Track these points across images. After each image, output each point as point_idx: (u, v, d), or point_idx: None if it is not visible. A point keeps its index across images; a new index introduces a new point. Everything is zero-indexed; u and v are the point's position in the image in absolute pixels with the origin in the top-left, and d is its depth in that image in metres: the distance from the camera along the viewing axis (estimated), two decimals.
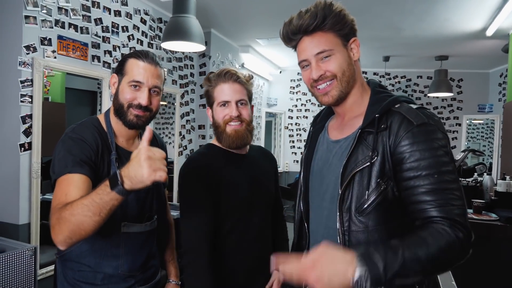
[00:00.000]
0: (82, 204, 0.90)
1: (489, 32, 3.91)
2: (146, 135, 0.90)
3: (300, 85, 6.81)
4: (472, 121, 6.47)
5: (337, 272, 0.73)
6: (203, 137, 4.44)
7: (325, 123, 1.14)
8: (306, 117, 6.84)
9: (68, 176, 1.03)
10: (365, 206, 0.91)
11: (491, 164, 5.81)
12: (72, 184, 1.02)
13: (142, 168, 0.84)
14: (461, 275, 2.16)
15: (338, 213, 0.94)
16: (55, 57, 2.52)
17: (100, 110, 4.08)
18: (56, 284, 1.22)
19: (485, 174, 2.74)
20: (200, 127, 4.45)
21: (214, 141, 1.38)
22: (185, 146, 4.22)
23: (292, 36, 1.01)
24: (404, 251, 0.76)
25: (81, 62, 2.74)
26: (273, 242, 1.44)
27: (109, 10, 2.99)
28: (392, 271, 0.74)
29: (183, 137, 4.18)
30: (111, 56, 3.02)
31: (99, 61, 2.90)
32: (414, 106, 0.94)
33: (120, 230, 1.16)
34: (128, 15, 3.21)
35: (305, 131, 6.85)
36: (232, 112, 1.25)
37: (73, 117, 4.01)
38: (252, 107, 1.35)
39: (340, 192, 0.93)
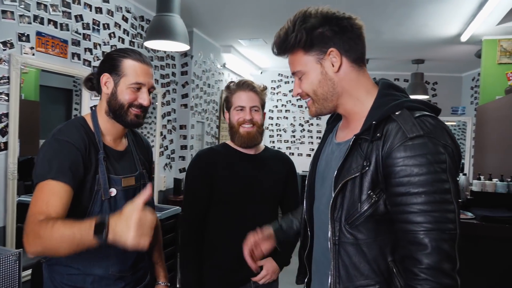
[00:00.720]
0: (62, 234, 0.91)
1: (464, 38, 4.06)
2: (146, 194, 0.89)
3: (280, 86, 6.85)
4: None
5: None
6: (185, 137, 4.40)
7: (337, 124, 1.10)
8: (287, 118, 6.88)
9: (50, 183, 1.01)
10: (355, 217, 0.87)
11: (463, 164, 6.02)
12: (54, 193, 1.00)
13: (129, 231, 0.85)
14: None
15: (329, 221, 0.90)
16: (33, 54, 2.44)
17: (77, 109, 3.99)
18: None
19: (461, 174, 2.84)
20: (181, 127, 4.40)
21: (228, 141, 1.59)
22: (166, 146, 4.17)
23: (277, 54, 1.01)
24: None
25: (60, 60, 2.67)
26: None
27: (90, 6, 2.92)
28: None
29: (164, 137, 4.13)
30: (91, 54, 2.95)
31: (79, 59, 2.83)
32: (417, 114, 0.85)
33: None
34: (110, 13, 3.14)
35: (285, 131, 6.90)
36: (246, 116, 1.46)
37: (47, 116, 3.90)
38: (264, 114, 1.55)
39: (332, 199, 0.90)
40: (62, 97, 4.07)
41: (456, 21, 3.73)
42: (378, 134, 0.85)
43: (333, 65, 0.93)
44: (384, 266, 0.87)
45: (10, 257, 1.40)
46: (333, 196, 0.89)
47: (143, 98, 1.19)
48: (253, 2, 3.44)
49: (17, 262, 1.44)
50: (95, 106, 3.06)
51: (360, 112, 0.95)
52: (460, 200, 2.47)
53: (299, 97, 1.02)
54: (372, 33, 4.26)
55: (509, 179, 2.57)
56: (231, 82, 1.55)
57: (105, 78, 1.18)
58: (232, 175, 1.51)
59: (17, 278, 1.45)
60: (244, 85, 1.49)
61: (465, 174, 2.85)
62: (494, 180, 2.60)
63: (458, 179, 0.93)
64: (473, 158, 4.46)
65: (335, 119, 1.11)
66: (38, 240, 0.92)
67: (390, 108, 0.87)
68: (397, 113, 0.86)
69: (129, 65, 1.17)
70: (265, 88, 1.56)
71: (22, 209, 2.48)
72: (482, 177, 2.66)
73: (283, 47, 0.96)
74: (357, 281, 0.88)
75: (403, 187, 0.80)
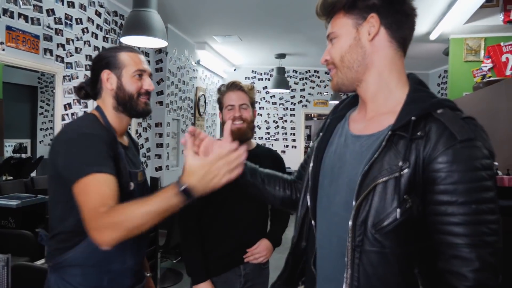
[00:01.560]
0: (145, 210, 0.93)
1: (433, 36, 4.22)
2: (227, 131, 1.01)
3: (254, 83, 6.86)
4: None
5: None
6: (160, 135, 4.32)
7: (347, 112, 0.99)
8: (261, 115, 6.90)
9: (96, 176, 1.00)
10: (385, 223, 0.76)
11: None
12: (104, 185, 1.00)
13: (216, 177, 0.91)
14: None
15: (351, 223, 0.79)
16: (3, 50, 2.32)
17: (42, 107, 3.82)
18: None
19: None
20: (157, 125, 4.32)
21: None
22: (142, 144, 4.09)
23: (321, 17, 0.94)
24: None
25: (32, 56, 2.55)
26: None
27: (62, 0, 2.81)
28: None
29: (140, 135, 4.04)
30: (64, 49, 2.84)
31: (51, 54, 2.72)
32: (463, 115, 0.78)
33: None
34: (82, 7, 3.03)
35: (259, 128, 6.92)
36: (235, 113, 1.55)
37: (11, 114, 3.72)
38: (254, 111, 1.65)
39: (355, 203, 0.79)
40: (26, 94, 3.90)
41: (426, 20, 3.87)
42: (419, 133, 0.76)
43: (369, 34, 0.85)
44: (411, 279, 0.78)
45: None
46: (357, 200, 0.79)
47: (148, 83, 1.21)
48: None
49: (5, 267, 1.37)
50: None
51: (384, 103, 0.86)
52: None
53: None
54: None
55: None
56: (222, 85, 1.68)
57: (106, 74, 1.18)
58: None
59: (5, 284, 1.37)
60: (233, 86, 1.61)
61: None
62: None
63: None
64: None
65: (344, 107, 1.00)
66: (117, 226, 0.92)
67: (431, 105, 0.79)
68: (439, 111, 0.77)
69: (124, 56, 1.19)
70: (252, 87, 1.65)
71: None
72: None
73: (325, 5, 0.89)
74: None
75: (447, 195, 0.73)
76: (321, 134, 1.00)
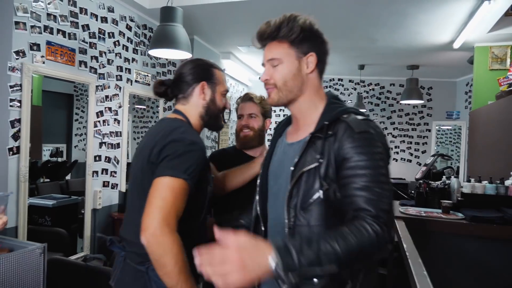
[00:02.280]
0: (186, 276, 1.08)
1: (456, 45, 4.20)
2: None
3: None
4: (441, 127, 6.82)
5: (258, 262, 0.80)
6: None
7: (285, 129, 1.24)
8: None
9: (183, 183, 1.11)
10: (308, 203, 1.00)
11: (458, 167, 6.15)
12: (184, 193, 1.11)
13: None
14: (432, 267, 2.35)
15: (285, 209, 1.03)
16: (43, 62, 2.56)
17: (77, 113, 4.08)
18: None
19: (452, 177, 2.96)
20: None
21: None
22: None
23: (258, 41, 1.13)
24: (320, 243, 0.84)
25: (68, 68, 2.78)
26: None
27: (96, 16, 3.04)
28: (306, 260, 0.81)
29: None
30: (97, 61, 3.07)
31: (85, 66, 2.95)
32: (360, 117, 1.03)
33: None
34: (114, 22, 3.27)
35: None
36: (243, 121, 1.72)
37: (49, 120, 4.00)
38: (267, 120, 1.78)
39: (289, 189, 1.02)
40: (63, 102, 4.17)
41: (448, 29, 3.87)
42: (330, 132, 1.01)
43: (307, 67, 1.08)
44: None
45: (36, 250, 1.50)
46: (290, 186, 1.02)
47: (229, 103, 1.37)
48: (251, 11, 3.57)
49: (42, 254, 1.54)
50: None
51: (310, 116, 1.10)
52: (450, 201, 2.59)
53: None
54: (367, 40, 4.39)
55: (498, 181, 2.69)
56: (239, 97, 1.83)
57: (203, 85, 1.29)
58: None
59: (42, 272, 1.54)
60: (244, 97, 1.77)
61: (456, 177, 2.96)
62: (484, 182, 2.71)
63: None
64: (467, 162, 4.58)
65: (283, 125, 1.25)
66: (165, 249, 1.04)
67: (339, 112, 1.05)
68: (344, 116, 1.04)
69: (219, 75, 1.33)
70: (263, 98, 1.75)
71: (32, 211, 2.59)
72: (472, 179, 2.77)
73: (272, 34, 1.08)
74: None
75: (351, 170, 0.96)
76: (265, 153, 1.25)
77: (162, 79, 1.34)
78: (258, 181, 1.20)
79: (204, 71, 1.31)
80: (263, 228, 1.16)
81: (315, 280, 0.97)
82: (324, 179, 0.99)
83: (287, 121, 1.25)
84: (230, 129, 5.94)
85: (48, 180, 3.59)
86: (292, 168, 1.03)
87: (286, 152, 1.14)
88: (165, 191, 1.08)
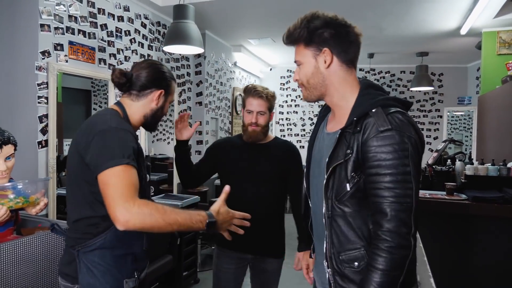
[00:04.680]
0: (175, 219, 1.11)
1: (463, 31, 4.23)
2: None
3: (289, 82, 7.09)
4: (454, 113, 6.83)
5: None
6: (200, 133, 4.69)
7: (328, 113, 1.28)
8: (296, 112, 7.12)
9: (129, 168, 1.12)
10: (342, 194, 1.07)
11: (471, 153, 6.17)
12: (134, 177, 1.13)
13: (227, 226, 1.28)
14: (436, 247, 2.47)
15: (324, 199, 1.11)
16: (66, 61, 2.75)
17: (95, 109, 4.28)
18: (78, 278, 1.23)
19: (457, 160, 3.06)
20: None
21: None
22: None
23: (285, 44, 1.23)
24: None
25: (89, 65, 2.97)
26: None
27: (113, 16, 3.22)
28: None
29: None
30: (115, 58, 3.26)
31: (105, 63, 3.13)
32: (390, 110, 1.04)
33: None
34: (130, 20, 3.44)
35: (295, 125, 7.14)
36: (252, 119, 1.81)
37: (69, 115, 4.21)
38: (271, 114, 1.88)
39: (324, 182, 1.10)
40: (81, 97, 4.36)
41: (454, 16, 3.92)
42: (358, 128, 1.05)
43: (325, 62, 1.12)
44: (367, 233, 1.06)
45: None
46: (325, 178, 1.10)
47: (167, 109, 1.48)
48: (261, 4, 3.69)
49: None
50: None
51: (344, 107, 1.14)
52: (454, 183, 2.70)
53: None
54: (375, 29, 4.47)
55: (501, 163, 2.78)
56: (248, 85, 1.88)
57: (160, 94, 1.36)
58: (235, 157, 1.89)
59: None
60: (255, 92, 1.81)
61: (461, 160, 3.06)
62: (486, 164, 2.81)
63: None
64: (476, 146, 4.64)
65: (326, 108, 1.29)
66: (143, 218, 1.06)
67: (367, 107, 1.07)
68: (373, 110, 1.05)
69: (174, 86, 1.43)
70: (273, 95, 1.86)
71: (60, 201, 2.80)
72: (476, 162, 2.87)
73: (290, 38, 1.17)
74: (346, 246, 1.08)
75: (374, 169, 1.01)
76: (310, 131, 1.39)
77: (123, 71, 1.33)
78: (305, 163, 1.32)
79: (165, 81, 1.37)
80: (309, 200, 1.28)
81: (355, 263, 1.07)
82: (354, 172, 1.05)
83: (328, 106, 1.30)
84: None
85: None
86: (326, 160, 1.10)
87: (324, 140, 1.20)
88: (113, 180, 1.09)
